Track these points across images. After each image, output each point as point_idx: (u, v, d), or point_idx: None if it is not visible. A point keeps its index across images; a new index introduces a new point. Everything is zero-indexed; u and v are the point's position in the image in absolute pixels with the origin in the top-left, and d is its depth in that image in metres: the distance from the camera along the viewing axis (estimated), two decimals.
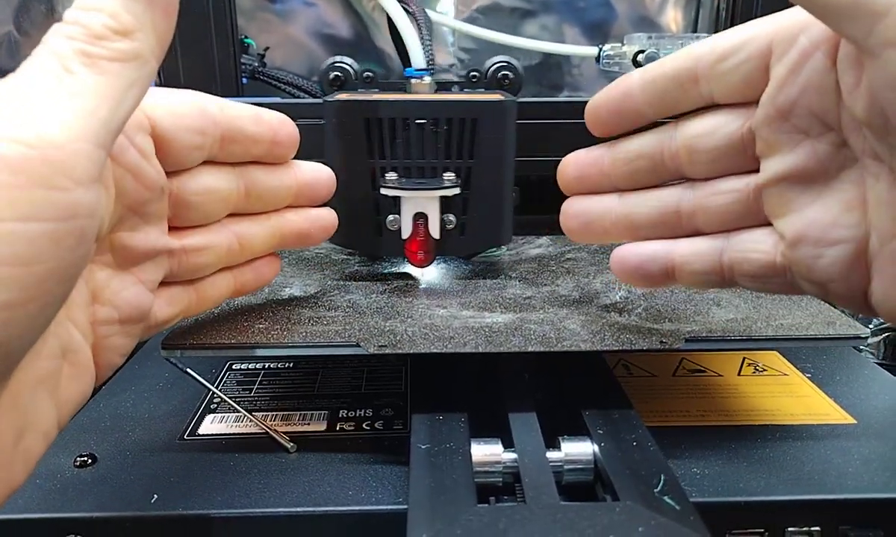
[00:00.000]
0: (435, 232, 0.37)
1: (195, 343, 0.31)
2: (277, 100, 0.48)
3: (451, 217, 0.37)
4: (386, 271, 0.41)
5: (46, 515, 0.29)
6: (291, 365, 0.41)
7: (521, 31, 0.71)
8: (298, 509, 0.29)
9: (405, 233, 0.37)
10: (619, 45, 0.50)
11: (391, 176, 0.36)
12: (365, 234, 0.38)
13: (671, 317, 0.33)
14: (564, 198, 0.52)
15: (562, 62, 0.74)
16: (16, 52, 0.43)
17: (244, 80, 0.50)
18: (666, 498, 0.25)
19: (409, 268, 0.41)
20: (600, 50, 0.51)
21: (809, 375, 0.40)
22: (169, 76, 0.45)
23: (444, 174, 0.36)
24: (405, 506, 0.28)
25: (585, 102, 0.30)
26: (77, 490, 0.30)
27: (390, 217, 0.37)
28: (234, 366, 0.41)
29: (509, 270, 0.41)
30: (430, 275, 0.40)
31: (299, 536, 0.29)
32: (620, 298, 0.36)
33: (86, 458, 0.32)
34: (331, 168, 0.38)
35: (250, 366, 0.41)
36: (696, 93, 0.26)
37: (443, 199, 0.36)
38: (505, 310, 0.34)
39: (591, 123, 0.29)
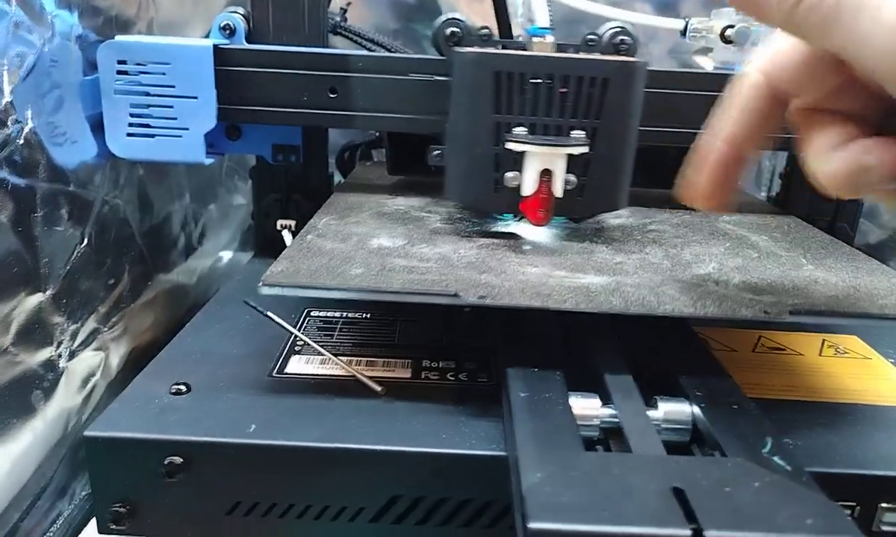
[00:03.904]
0: (558, 191, 0.36)
1: (295, 283, 0.31)
2: (365, 53, 0.48)
3: (572, 177, 0.37)
4: (469, 229, 0.41)
5: (150, 436, 0.29)
6: (369, 315, 0.42)
7: None
8: (396, 447, 0.29)
9: (528, 190, 0.36)
10: (707, 18, 0.49)
11: (519, 130, 0.36)
12: (481, 190, 0.38)
13: (769, 290, 0.33)
14: (639, 171, 0.52)
15: None
16: None
17: None
18: (775, 458, 0.25)
19: (494, 227, 0.41)
20: (687, 23, 0.50)
21: (892, 360, 0.40)
22: (258, 24, 0.45)
23: (572, 132, 0.36)
24: (501, 452, 0.29)
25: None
26: (175, 415, 0.31)
27: (509, 174, 0.37)
28: (312, 313, 0.42)
29: (594, 236, 0.40)
30: (515, 234, 0.40)
31: (396, 474, 0.29)
32: (713, 269, 0.35)
33: (181, 387, 0.33)
34: (453, 122, 0.38)
35: (328, 314, 0.42)
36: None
37: (567, 158, 0.36)
38: (598, 272, 0.34)
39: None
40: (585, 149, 0.36)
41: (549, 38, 0.39)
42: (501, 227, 0.41)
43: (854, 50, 0.19)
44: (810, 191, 0.52)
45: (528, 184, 0.36)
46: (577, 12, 0.56)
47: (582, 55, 0.39)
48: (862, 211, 0.53)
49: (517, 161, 0.36)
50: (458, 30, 0.41)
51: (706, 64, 0.52)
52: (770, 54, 0.24)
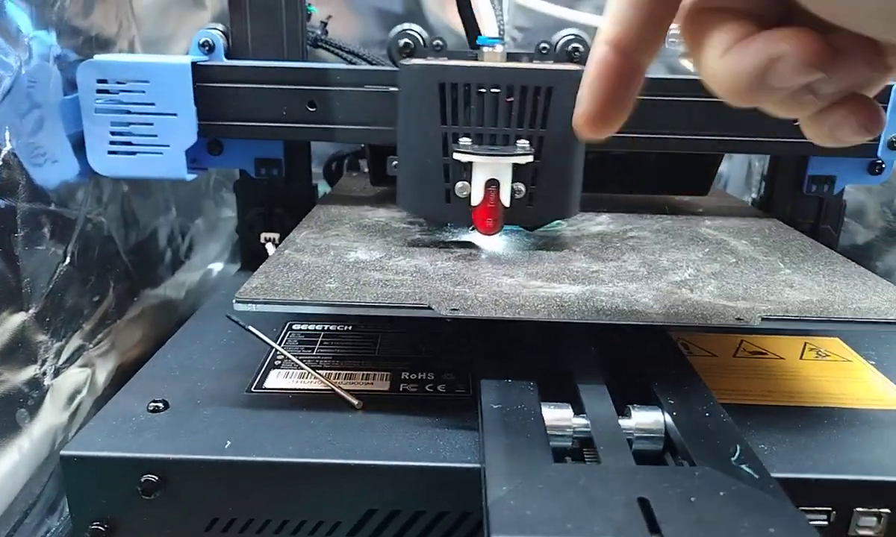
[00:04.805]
0: (506, 200, 0.37)
1: (269, 299, 0.31)
2: (344, 66, 0.48)
3: (521, 186, 0.37)
4: (447, 239, 0.41)
5: (126, 454, 0.29)
6: (351, 327, 0.42)
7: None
8: (370, 461, 0.29)
9: (475, 200, 0.37)
10: None
11: (465, 141, 0.36)
12: (433, 201, 0.38)
13: (744, 296, 0.33)
14: (621, 177, 0.52)
15: None
16: (90, 9, 0.44)
17: None
18: (743, 466, 0.25)
19: (469, 237, 0.41)
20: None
21: (873, 362, 0.39)
22: (237, 40, 0.46)
23: (518, 141, 0.36)
24: (476, 464, 0.29)
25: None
26: (152, 433, 0.31)
27: (459, 184, 0.37)
28: (294, 327, 0.42)
29: (572, 245, 0.41)
30: (493, 245, 0.40)
31: (372, 488, 0.29)
32: (689, 276, 0.36)
33: (158, 404, 0.33)
34: (402, 133, 0.38)
35: (310, 327, 0.42)
36: None
37: (514, 168, 0.36)
38: (573, 281, 0.34)
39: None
40: (531, 159, 0.36)
41: (499, 48, 0.39)
42: (476, 237, 0.41)
43: None
44: (793, 193, 0.52)
45: (476, 193, 0.37)
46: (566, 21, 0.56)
47: (527, 64, 0.40)
48: (846, 211, 0.53)
49: (466, 171, 0.37)
50: (410, 41, 0.41)
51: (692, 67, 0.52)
52: None
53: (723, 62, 0.20)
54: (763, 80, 0.19)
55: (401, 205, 0.40)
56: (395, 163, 0.39)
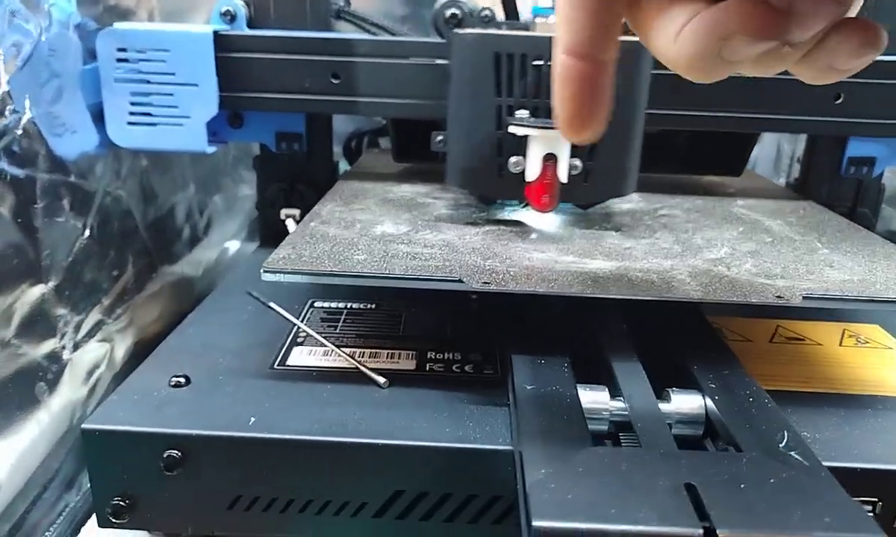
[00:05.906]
0: (563, 175, 0.35)
1: (297, 269, 0.30)
2: (369, 37, 0.47)
3: (577, 162, 0.36)
4: (475, 214, 0.40)
5: (147, 429, 0.29)
6: (374, 306, 0.41)
7: None
8: (398, 441, 0.28)
9: (531, 175, 0.35)
10: None
11: (522, 113, 0.35)
12: (484, 176, 0.37)
13: (782, 274, 0.32)
14: (652, 156, 0.50)
15: None
16: None
17: None
18: (793, 453, 0.24)
19: (499, 214, 0.40)
20: None
21: None
22: (260, 9, 0.44)
23: None
24: (507, 447, 0.28)
25: None
26: (174, 408, 0.30)
27: (513, 159, 0.36)
28: (316, 304, 0.41)
29: (603, 222, 0.39)
30: (542, 224, 0.39)
31: (399, 469, 0.29)
32: (725, 254, 0.34)
33: (180, 379, 0.32)
34: (453, 106, 0.37)
35: (333, 305, 0.41)
36: None
37: (571, 142, 0.35)
38: (606, 257, 0.33)
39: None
40: None
41: (552, 19, 0.38)
42: (508, 214, 0.40)
43: None
44: (831, 175, 0.51)
45: (532, 168, 0.35)
46: None
47: None
48: (884, 196, 0.52)
49: (520, 145, 0.35)
50: (458, 11, 0.40)
51: None
52: None
53: (676, 48, 0.19)
54: (721, 58, 0.19)
55: (449, 182, 0.39)
56: (439, 138, 0.38)
